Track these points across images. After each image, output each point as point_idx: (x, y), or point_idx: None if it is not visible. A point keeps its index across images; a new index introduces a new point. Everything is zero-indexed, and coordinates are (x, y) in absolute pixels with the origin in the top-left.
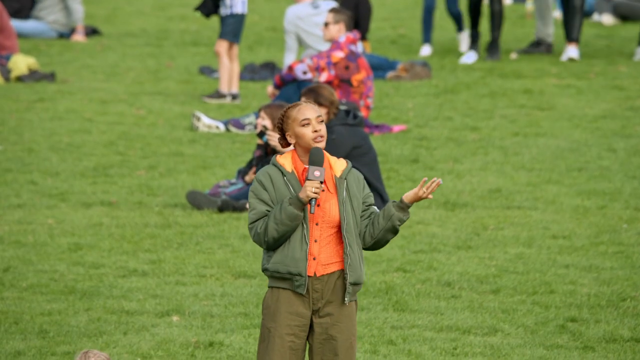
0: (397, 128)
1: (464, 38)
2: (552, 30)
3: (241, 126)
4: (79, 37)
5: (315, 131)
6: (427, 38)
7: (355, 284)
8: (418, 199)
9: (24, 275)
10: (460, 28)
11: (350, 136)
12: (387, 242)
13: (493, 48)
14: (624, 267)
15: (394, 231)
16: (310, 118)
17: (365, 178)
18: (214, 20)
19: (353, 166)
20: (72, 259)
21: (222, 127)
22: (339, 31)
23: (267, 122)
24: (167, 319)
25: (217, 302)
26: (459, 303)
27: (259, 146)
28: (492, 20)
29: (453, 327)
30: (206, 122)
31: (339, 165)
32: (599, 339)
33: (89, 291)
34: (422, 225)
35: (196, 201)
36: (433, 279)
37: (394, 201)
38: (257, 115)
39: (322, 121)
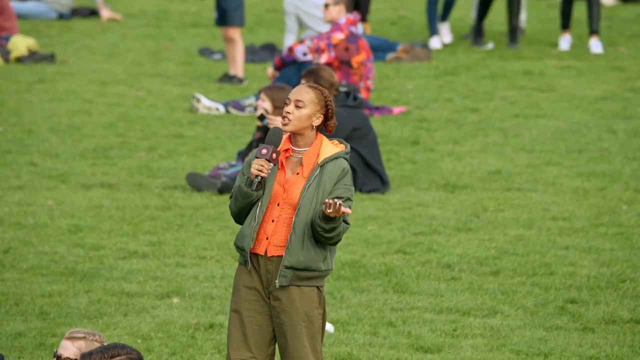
0: (397, 110)
1: (445, 28)
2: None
3: (241, 108)
4: (106, 13)
5: (285, 111)
6: (433, 30)
7: (293, 268)
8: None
9: (24, 257)
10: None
11: (350, 118)
12: (326, 242)
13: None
14: (623, 249)
15: (321, 239)
16: (290, 98)
17: (365, 160)
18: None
19: (352, 149)
20: (72, 241)
21: (222, 108)
22: (339, 12)
23: (267, 104)
24: (168, 301)
25: (217, 284)
26: (459, 285)
27: (258, 128)
28: (509, 8)
29: (453, 308)
30: (206, 104)
31: (328, 152)
32: (599, 320)
33: (89, 273)
34: (422, 207)
35: (196, 183)
36: (433, 261)
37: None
38: (257, 97)
39: (299, 107)
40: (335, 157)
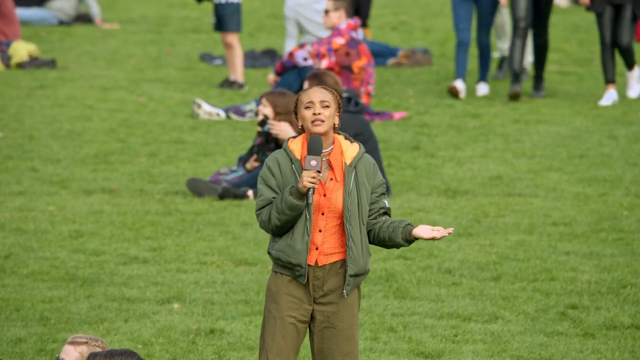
0: (397, 115)
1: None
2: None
3: (242, 113)
4: (106, 25)
5: (314, 114)
6: (460, 73)
7: (357, 275)
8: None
9: (24, 263)
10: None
11: (351, 123)
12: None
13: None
14: (624, 254)
15: (397, 247)
16: (313, 101)
17: None
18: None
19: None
20: (73, 246)
21: (222, 114)
22: (340, 18)
23: (268, 110)
24: (168, 306)
25: (217, 289)
26: (460, 290)
27: (259, 133)
28: (535, 58)
29: (453, 314)
30: (207, 110)
31: (351, 150)
32: (600, 326)
33: (89, 278)
34: (422, 213)
35: (197, 188)
36: (433, 266)
37: (409, 224)
38: (258, 103)
39: (326, 106)
40: (362, 155)
